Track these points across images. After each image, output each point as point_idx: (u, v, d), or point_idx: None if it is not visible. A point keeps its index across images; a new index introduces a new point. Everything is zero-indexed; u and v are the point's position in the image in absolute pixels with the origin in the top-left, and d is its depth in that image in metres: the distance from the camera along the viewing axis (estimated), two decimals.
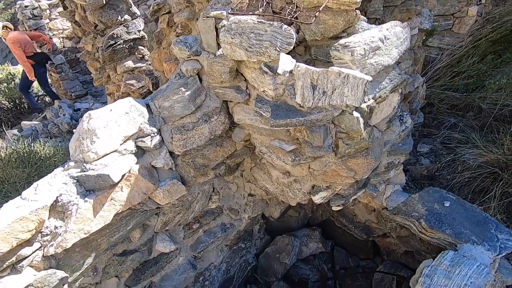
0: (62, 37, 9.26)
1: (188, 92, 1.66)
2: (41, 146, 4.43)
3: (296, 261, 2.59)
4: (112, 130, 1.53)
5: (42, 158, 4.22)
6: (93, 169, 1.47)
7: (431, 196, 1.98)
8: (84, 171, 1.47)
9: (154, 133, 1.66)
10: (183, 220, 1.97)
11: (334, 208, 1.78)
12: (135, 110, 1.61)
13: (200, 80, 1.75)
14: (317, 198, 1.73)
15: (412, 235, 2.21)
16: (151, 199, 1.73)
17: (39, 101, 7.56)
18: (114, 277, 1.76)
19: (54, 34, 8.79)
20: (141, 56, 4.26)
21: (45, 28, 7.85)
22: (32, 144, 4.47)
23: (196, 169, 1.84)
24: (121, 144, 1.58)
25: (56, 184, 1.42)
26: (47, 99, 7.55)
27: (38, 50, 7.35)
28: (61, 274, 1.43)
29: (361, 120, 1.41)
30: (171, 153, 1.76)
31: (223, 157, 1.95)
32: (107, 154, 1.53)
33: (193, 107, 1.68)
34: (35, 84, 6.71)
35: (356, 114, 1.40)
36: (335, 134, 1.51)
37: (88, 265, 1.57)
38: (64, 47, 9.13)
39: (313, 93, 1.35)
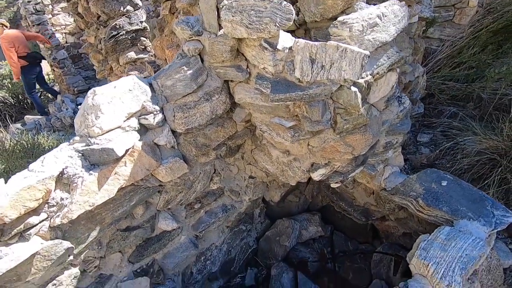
0: (65, 33, 9.30)
1: (190, 71, 1.69)
2: (44, 138, 4.49)
3: (296, 244, 2.63)
4: (116, 107, 1.57)
5: (46, 150, 4.28)
6: (98, 144, 1.51)
7: (429, 177, 2.01)
8: (89, 145, 1.51)
9: (156, 111, 1.70)
10: (185, 199, 2.01)
11: (333, 185, 1.82)
12: (138, 88, 1.65)
13: (202, 60, 1.78)
14: (316, 175, 1.77)
15: (410, 216, 2.24)
16: (154, 176, 1.77)
17: (42, 97, 7.60)
18: (117, 252, 1.80)
19: (56, 30, 8.83)
20: (143, 47, 4.31)
21: (48, 23, 7.91)
22: (36, 137, 4.52)
23: (198, 148, 1.87)
24: (124, 121, 1.62)
25: (62, 157, 1.47)
26: (50, 95, 7.58)
27: (40, 46, 7.37)
28: (67, 244, 1.48)
29: (359, 95, 1.45)
30: (173, 132, 1.80)
31: (224, 138, 1.99)
32: (111, 129, 1.58)
33: (195, 86, 1.71)
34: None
35: (354, 88, 1.43)
36: (334, 110, 1.54)
37: (92, 238, 1.62)
38: (66, 42, 9.17)
39: (312, 67, 1.38)
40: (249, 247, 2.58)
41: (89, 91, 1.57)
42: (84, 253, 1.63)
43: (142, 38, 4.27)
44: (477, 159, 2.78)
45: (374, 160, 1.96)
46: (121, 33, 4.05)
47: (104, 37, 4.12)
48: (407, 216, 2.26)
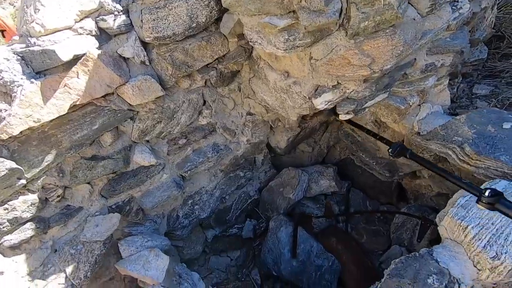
0: None
1: None
2: None
3: (303, 199, 2.27)
4: (62, 0, 1.23)
5: None
6: (39, 45, 1.22)
7: (485, 117, 1.46)
8: (29, 46, 1.22)
9: (118, 12, 1.34)
10: (166, 132, 1.71)
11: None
12: None
13: None
14: (320, 102, 1.32)
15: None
16: (120, 97, 1.47)
17: None
18: (85, 183, 1.60)
19: None
20: None
21: None
22: None
23: (176, 67, 1.51)
24: (77, 22, 1.30)
25: None
26: None
27: None
28: (10, 164, 1.27)
29: None
30: (144, 45, 1.45)
31: (212, 58, 1.60)
32: (59, 30, 1.26)
33: None
34: None
35: None
36: None
37: (48, 162, 1.40)
38: None
39: None
40: (249, 197, 2.29)
41: None
42: (41, 179, 1.44)
43: None
44: None
45: (407, 90, 1.45)
46: None
47: None
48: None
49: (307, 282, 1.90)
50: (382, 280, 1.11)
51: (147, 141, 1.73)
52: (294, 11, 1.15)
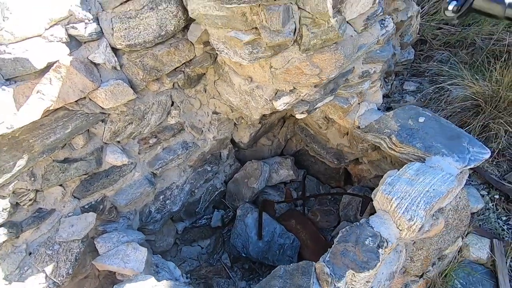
0: None
1: None
2: None
3: (265, 187, 2.52)
4: (32, 8, 1.26)
5: None
6: (10, 53, 1.24)
7: (406, 113, 1.84)
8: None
9: (88, 20, 1.40)
10: (137, 132, 1.80)
11: (298, 116, 1.63)
12: None
13: None
14: (280, 104, 1.56)
15: (383, 158, 2.12)
16: (92, 101, 1.53)
17: None
18: (58, 185, 1.63)
19: None
20: None
21: None
22: None
23: (146, 72, 1.61)
24: (46, 29, 1.33)
25: None
26: None
27: None
28: None
29: None
30: (115, 50, 1.52)
31: (179, 63, 1.72)
32: (29, 38, 1.29)
33: None
34: None
35: None
36: (299, 19, 1.28)
37: (20, 167, 1.42)
38: None
39: None
40: (216, 189, 2.47)
41: None
42: (13, 184, 1.45)
43: None
44: (461, 105, 2.65)
45: (348, 93, 1.76)
46: None
47: None
48: (380, 158, 2.14)
49: (272, 259, 2.17)
50: (332, 246, 1.40)
51: (118, 141, 1.80)
52: (256, 28, 1.35)
